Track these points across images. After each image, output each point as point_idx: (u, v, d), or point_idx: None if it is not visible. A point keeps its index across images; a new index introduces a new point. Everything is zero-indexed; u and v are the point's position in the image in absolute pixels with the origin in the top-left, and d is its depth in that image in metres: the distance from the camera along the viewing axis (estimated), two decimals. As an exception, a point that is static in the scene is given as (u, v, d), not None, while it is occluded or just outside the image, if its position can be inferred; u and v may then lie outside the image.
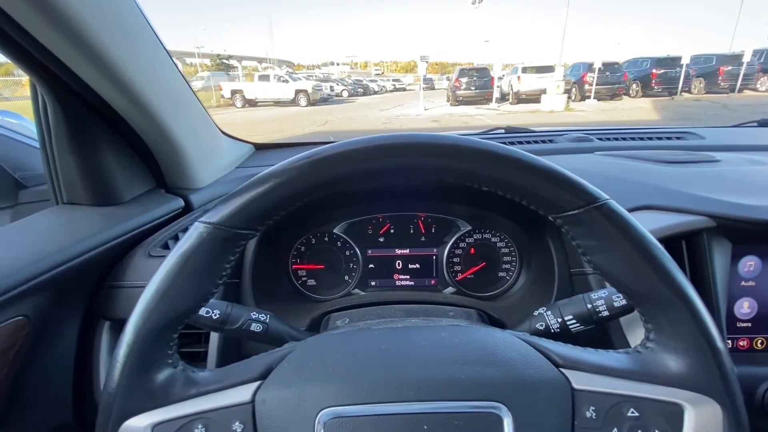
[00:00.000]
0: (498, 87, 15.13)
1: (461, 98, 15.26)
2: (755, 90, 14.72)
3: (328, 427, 0.32)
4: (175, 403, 0.34)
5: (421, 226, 0.74)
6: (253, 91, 19.05)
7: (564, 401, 0.33)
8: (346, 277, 0.75)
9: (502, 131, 1.24)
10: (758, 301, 0.53)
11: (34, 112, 0.69)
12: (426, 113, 13.27)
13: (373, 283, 0.76)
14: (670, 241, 0.53)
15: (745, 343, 0.54)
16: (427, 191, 0.68)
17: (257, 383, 0.35)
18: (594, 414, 0.33)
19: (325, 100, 20.31)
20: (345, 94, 26.39)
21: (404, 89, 35.26)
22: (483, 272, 0.73)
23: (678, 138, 1.10)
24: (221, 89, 19.66)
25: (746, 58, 13.93)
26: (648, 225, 0.54)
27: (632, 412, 0.33)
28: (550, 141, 1.11)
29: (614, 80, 14.45)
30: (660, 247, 0.34)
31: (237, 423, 0.33)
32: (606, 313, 0.46)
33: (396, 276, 0.76)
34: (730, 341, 0.54)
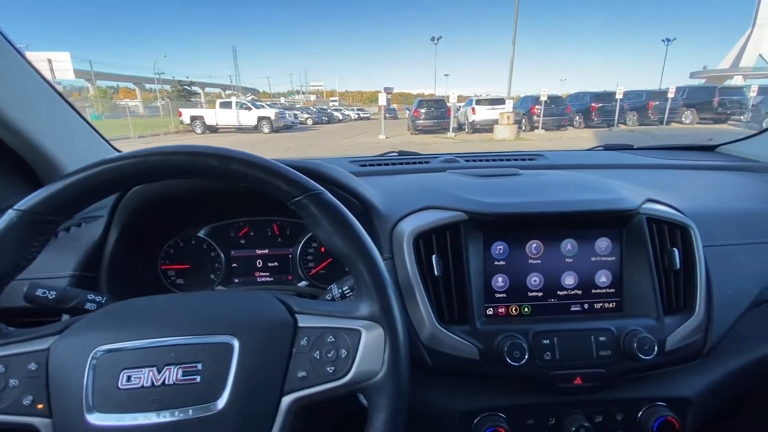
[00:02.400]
0: (455, 117, 15.97)
1: (420, 127, 15.95)
2: (681, 123, 16.44)
3: (100, 359, 0.42)
4: None
5: (276, 229, 0.87)
6: (215, 117, 18.97)
7: (287, 334, 0.46)
8: (212, 276, 0.86)
9: (396, 154, 1.42)
10: (509, 276, 0.69)
11: None
12: (386, 141, 13.74)
13: (236, 280, 0.86)
14: (439, 231, 0.68)
15: (503, 310, 0.69)
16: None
17: (56, 336, 0.45)
18: (306, 342, 0.46)
19: (288, 128, 20.51)
20: (309, 122, 26.76)
21: (368, 118, 36.26)
22: (332, 267, 0.86)
23: (530, 159, 1.31)
24: (180, 115, 19.44)
25: (671, 94, 15.62)
26: (424, 219, 0.70)
27: (330, 338, 0.46)
28: (426, 162, 1.29)
29: (559, 112, 15.70)
30: (356, 226, 0.48)
31: (33, 364, 0.43)
32: None
33: (257, 273, 0.87)
34: (491, 309, 0.69)
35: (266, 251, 0.87)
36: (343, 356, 0.45)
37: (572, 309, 0.70)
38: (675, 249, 0.68)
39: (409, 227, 0.69)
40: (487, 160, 1.31)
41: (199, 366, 0.43)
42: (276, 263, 0.87)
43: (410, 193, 0.80)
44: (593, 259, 0.70)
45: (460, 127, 16.39)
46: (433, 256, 0.67)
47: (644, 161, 1.25)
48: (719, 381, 0.70)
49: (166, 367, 0.42)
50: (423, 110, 16.03)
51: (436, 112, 15.95)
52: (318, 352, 0.45)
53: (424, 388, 0.67)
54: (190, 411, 0.41)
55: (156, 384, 0.42)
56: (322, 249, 0.87)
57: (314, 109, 32.40)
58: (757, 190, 0.98)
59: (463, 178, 0.93)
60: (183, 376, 0.42)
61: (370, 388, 0.45)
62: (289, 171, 0.48)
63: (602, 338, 0.64)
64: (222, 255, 0.85)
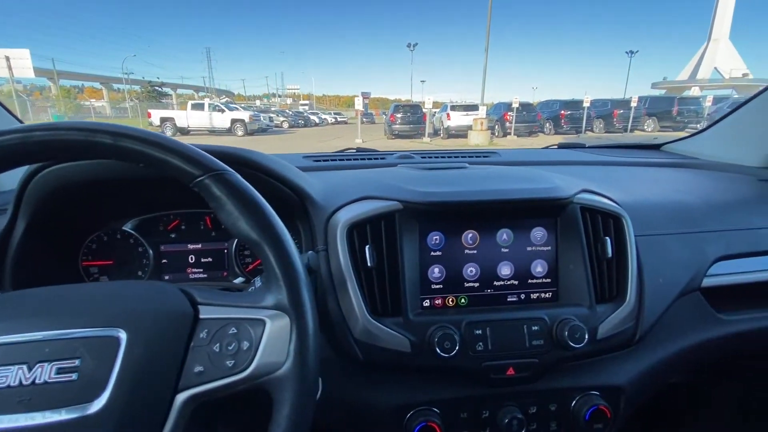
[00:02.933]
0: (431, 123, 16.16)
1: (397, 132, 16.05)
2: (643, 130, 17.27)
3: None
4: None
5: (209, 222, 0.82)
6: (186, 119, 18.42)
7: (184, 327, 0.42)
8: (140, 273, 0.80)
9: (354, 150, 1.40)
10: (445, 267, 0.67)
11: None
12: (363, 145, 13.74)
13: (166, 277, 0.81)
14: (374, 221, 0.66)
15: (439, 301, 0.67)
16: None
17: None
18: (206, 334, 0.42)
19: (263, 131, 20.19)
20: (285, 125, 26.47)
21: (345, 122, 36.24)
22: None
23: (485, 156, 1.32)
24: (150, 116, 18.79)
25: (633, 104, 16.39)
26: (359, 209, 0.67)
27: (232, 330, 0.42)
28: (383, 158, 1.27)
29: (530, 119, 16.18)
30: (264, 208, 0.45)
31: None
32: None
33: (189, 270, 0.82)
34: (427, 300, 0.67)
35: (199, 246, 0.82)
36: (245, 348, 0.42)
37: (509, 299, 0.69)
38: (607, 238, 0.69)
39: (343, 218, 0.67)
40: (443, 157, 1.31)
41: (77, 362, 0.38)
42: (210, 258, 0.82)
43: (350, 185, 0.78)
44: (529, 248, 0.69)
45: (435, 133, 16.59)
46: (367, 246, 0.64)
47: (594, 158, 1.28)
48: (650, 369, 0.70)
49: (38, 365, 0.38)
50: (399, 115, 16.15)
51: (412, 117, 16.10)
52: (218, 345, 0.42)
53: (354, 384, 0.65)
54: (63, 412, 0.37)
55: (25, 383, 0.37)
56: None
57: (290, 113, 32.05)
58: (694, 185, 1.02)
59: (409, 170, 0.91)
60: (57, 374, 0.38)
61: (272, 381, 0.41)
62: (190, 148, 0.44)
63: (535, 328, 0.63)
64: (150, 250, 0.80)
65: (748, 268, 0.79)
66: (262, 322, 0.43)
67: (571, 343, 0.61)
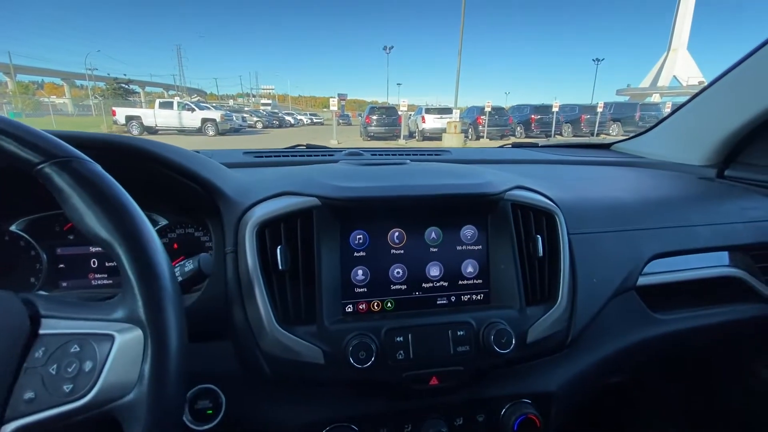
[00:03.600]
0: (407, 125, 16.21)
1: (372, 134, 15.99)
2: (608, 134, 17.94)
3: None
4: None
5: None
6: (154, 118, 17.70)
7: (15, 344, 0.35)
8: (32, 279, 0.71)
9: (304, 147, 1.34)
10: (370, 269, 0.62)
11: None
12: (338, 146, 13.59)
13: (64, 284, 0.72)
14: (288, 219, 0.60)
15: (363, 306, 0.62)
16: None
17: None
18: (42, 353, 0.35)
19: (236, 131, 19.68)
20: (259, 125, 25.94)
21: (321, 123, 35.92)
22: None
23: (437, 154, 1.28)
24: (114, 114, 17.94)
25: (600, 109, 17.03)
26: (274, 206, 0.61)
27: (75, 348, 0.36)
28: (330, 155, 1.21)
29: (502, 123, 16.49)
30: (118, 200, 0.38)
31: None
32: (180, 278, 0.50)
33: (92, 275, 0.73)
34: (351, 306, 0.61)
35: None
36: (87, 370, 0.35)
37: (439, 302, 0.64)
38: (539, 236, 0.65)
39: (255, 215, 0.60)
40: (393, 155, 1.26)
41: None
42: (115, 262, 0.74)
43: (271, 180, 0.71)
44: (459, 248, 0.65)
45: (411, 135, 16.66)
46: (279, 247, 0.58)
47: (544, 157, 1.27)
48: (583, 372, 0.68)
49: None
50: (375, 117, 16.12)
51: (387, 120, 16.09)
52: (55, 366, 0.35)
53: (260, 400, 0.58)
54: None
55: None
56: (175, 246, 0.75)
57: (264, 113, 31.42)
58: (636, 183, 1.01)
59: (346, 166, 0.86)
60: None
61: (121, 409, 0.35)
62: (29, 130, 0.37)
63: (461, 333, 0.59)
64: (43, 254, 0.70)
65: (684, 266, 0.78)
66: (110, 338, 0.36)
67: (498, 349, 0.57)
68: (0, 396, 0.34)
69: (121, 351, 0.35)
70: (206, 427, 0.56)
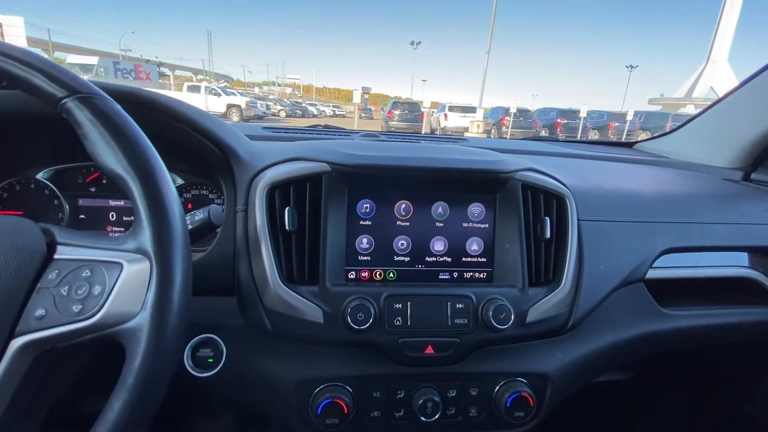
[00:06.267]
0: (429, 122, 16.13)
1: (393, 128, 15.97)
2: (636, 144, 17.40)
3: None
4: None
5: None
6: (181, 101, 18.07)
7: (31, 265, 0.37)
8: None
9: (323, 127, 1.36)
10: (374, 238, 0.63)
11: None
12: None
13: None
14: (298, 183, 0.61)
15: (366, 274, 0.63)
16: None
17: None
18: (56, 276, 0.37)
19: (260, 118, 19.93)
20: (282, 114, 26.24)
21: (343, 116, 36.06)
22: None
23: (454, 141, 1.28)
24: (143, 95, 18.42)
25: (629, 117, 16.53)
26: (285, 169, 0.63)
27: (86, 273, 0.38)
28: (347, 136, 1.23)
29: (527, 125, 16.22)
30: (134, 136, 0.40)
31: None
32: (190, 225, 0.52)
33: (109, 228, 0.76)
34: (353, 272, 0.62)
35: (121, 203, 0.76)
36: (96, 293, 0.37)
37: (440, 277, 0.65)
38: (547, 218, 0.65)
39: (266, 177, 0.62)
40: (411, 140, 1.27)
41: None
42: (132, 217, 0.77)
43: (286, 148, 0.72)
44: (465, 225, 0.65)
45: (432, 132, 16.55)
46: (287, 208, 0.60)
47: (565, 151, 1.25)
48: (581, 359, 0.67)
49: None
50: (397, 112, 16.09)
51: (409, 115, 16.03)
52: (67, 287, 0.37)
53: (260, 355, 0.60)
54: None
55: None
56: (189, 206, 0.77)
57: (288, 102, 31.75)
58: (655, 179, 0.99)
59: (360, 141, 0.86)
60: None
61: (124, 333, 0.37)
62: (56, 66, 0.39)
63: (459, 305, 0.59)
64: (66, 204, 0.74)
65: (697, 263, 0.76)
66: (119, 266, 0.38)
67: (496, 324, 0.57)
68: (13, 311, 0.36)
69: (129, 278, 0.37)
70: (206, 374, 0.58)
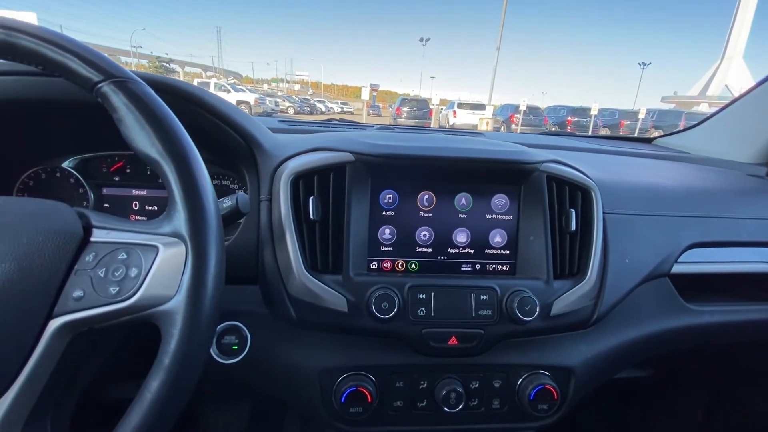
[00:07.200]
0: (437, 119, 16.10)
1: (401, 125, 15.95)
2: (648, 143, 17.17)
3: None
4: None
5: None
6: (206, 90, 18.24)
7: (69, 247, 0.38)
8: None
9: (337, 120, 1.38)
10: (397, 228, 0.63)
11: None
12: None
13: None
14: (322, 172, 0.61)
15: (388, 265, 0.63)
16: None
17: None
18: (92, 258, 0.38)
19: (268, 115, 20.01)
20: (291, 111, 26.34)
21: (351, 113, 36.07)
22: None
23: (470, 135, 1.27)
24: (154, 91, 18.62)
25: (641, 116, 16.29)
26: (309, 159, 0.63)
27: (122, 255, 0.38)
28: (363, 129, 1.23)
29: (536, 123, 16.11)
30: (168, 121, 0.40)
31: None
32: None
33: (132, 217, 0.77)
34: (375, 263, 0.62)
35: (144, 192, 0.77)
36: (132, 275, 0.37)
37: (463, 269, 0.64)
38: (572, 210, 0.64)
39: (290, 166, 0.62)
40: (428, 133, 1.27)
41: None
42: (155, 207, 0.77)
43: (308, 139, 0.72)
44: (488, 216, 0.65)
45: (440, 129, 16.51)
46: (311, 197, 0.60)
47: (582, 146, 1.23)
48: (606, 353, 0.66)
49: None
50: (405, 109, 16.08)
51: (418, 112, 16.02)
52: (104, 269, 0.37)
53: (285, 343, 0.60)
54: None
55: None
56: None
57: (296, 99, 31.87)
58: (678, 173, 0.97)
59: (379, 132, 0.86)
60: None
61: (160, 315, 0.37)
62: (92, 51, 0.40)
63: (484, 297, 0.59)
64: (91, 192, 0.75)
65: (723, 258, 0.74)
66: (155, 249, 0.38)
67: (521, 316, 0.57)
68: (51, 292, 0.36)
69: (164, 261, 0.38)
70: (231, 361, 0.59)
